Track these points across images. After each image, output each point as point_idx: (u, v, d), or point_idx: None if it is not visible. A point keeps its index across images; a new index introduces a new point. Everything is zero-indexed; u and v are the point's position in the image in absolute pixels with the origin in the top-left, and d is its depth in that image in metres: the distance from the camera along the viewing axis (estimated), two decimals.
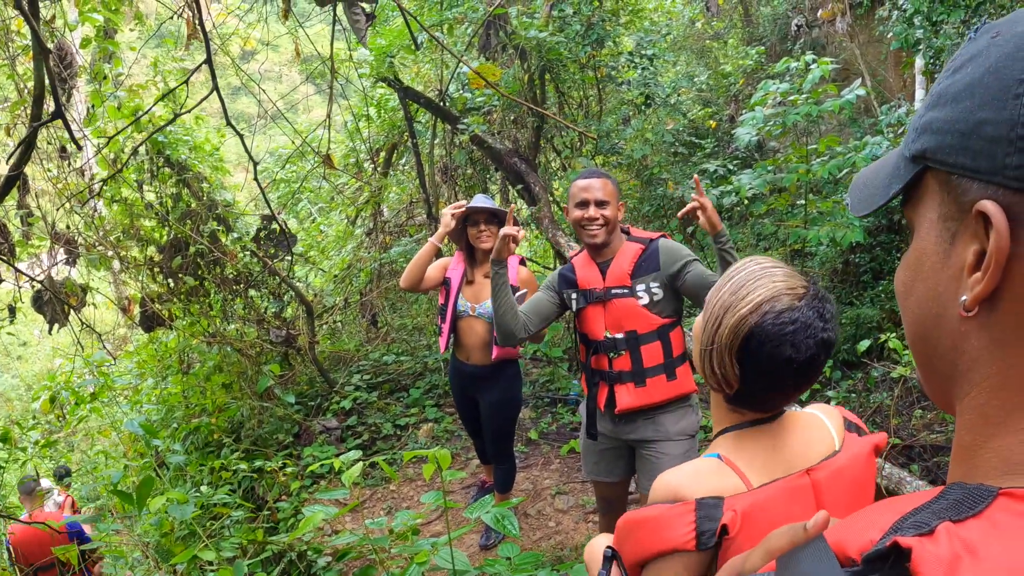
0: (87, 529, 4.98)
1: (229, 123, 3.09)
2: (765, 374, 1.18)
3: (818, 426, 1.31)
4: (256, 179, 3.69)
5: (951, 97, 0.55)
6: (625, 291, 2.83)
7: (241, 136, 3.28)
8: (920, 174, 0.59)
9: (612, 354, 2.88)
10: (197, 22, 2.88)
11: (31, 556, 4.83)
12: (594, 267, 2.92)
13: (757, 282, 1.19)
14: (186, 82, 2.84)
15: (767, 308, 1.16)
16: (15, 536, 4.92)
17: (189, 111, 3.09)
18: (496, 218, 3.66)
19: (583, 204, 2.84)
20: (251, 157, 3.47)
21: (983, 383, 0.54)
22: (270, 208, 4.15)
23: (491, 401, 3.86)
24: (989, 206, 0.51)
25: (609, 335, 2.87)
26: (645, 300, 2.81)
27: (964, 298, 0.54)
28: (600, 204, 2.83)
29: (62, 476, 6.84)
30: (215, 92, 2.80)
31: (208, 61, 2.79)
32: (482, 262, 3.75)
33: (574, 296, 2.95)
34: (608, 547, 1.24)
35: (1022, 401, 0.52)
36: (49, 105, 3.56)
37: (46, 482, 5.79)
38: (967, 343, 0.55)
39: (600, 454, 3.08)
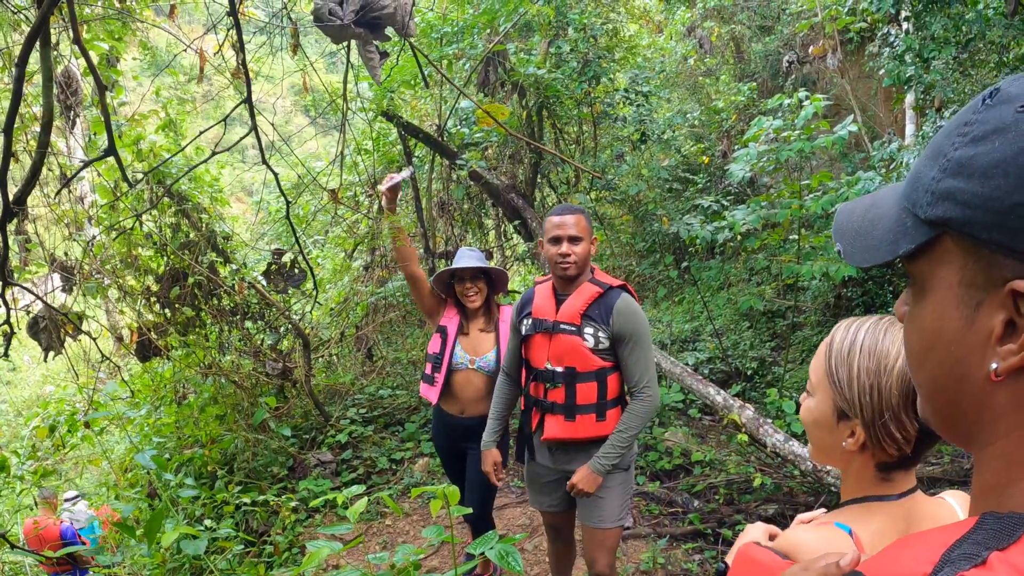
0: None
1: (265, 163, 3.10)
2: None
3: (949, 515, 1.23)
4: (288, 217, 3.72)
5: (979, 171, 0.55)
6: (573, 329, 2.89)
7: (276, 175, 3.28)
8: (935, 236, 0.60)
9: (549, 384, 2.96)
10: (240, 62, 2.92)
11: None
12: (552, 299, 2.99)
13: (883, 339, 1.17)
14: (223, 121, 2.86)
15: None
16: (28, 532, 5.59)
17: (227, 150, 3.11)
18: (483, 274, 3.64)
19: (557, 240, 2.90)
20: (285, 197, 3.48)
21: (1011, 434, 0.58)
22: (299, 246, 4.16)
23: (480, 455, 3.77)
24: None
25: (549, 366, 2.95)
26: (591, 343, 2.87)
27: (995, 366, 0.56)
28: (573, 240, 2.88)
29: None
30: (253, 132, 2.82)
31: (248, 100, 2.81)
32: (474, 316, 3.72)
33: (526, 322, 3.04)
34: (722, 562, 1.25)
35: None
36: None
37: (71, 492, 6.01)
38: (993, 401, 0.58)
39: (542, 485, 3.19)
